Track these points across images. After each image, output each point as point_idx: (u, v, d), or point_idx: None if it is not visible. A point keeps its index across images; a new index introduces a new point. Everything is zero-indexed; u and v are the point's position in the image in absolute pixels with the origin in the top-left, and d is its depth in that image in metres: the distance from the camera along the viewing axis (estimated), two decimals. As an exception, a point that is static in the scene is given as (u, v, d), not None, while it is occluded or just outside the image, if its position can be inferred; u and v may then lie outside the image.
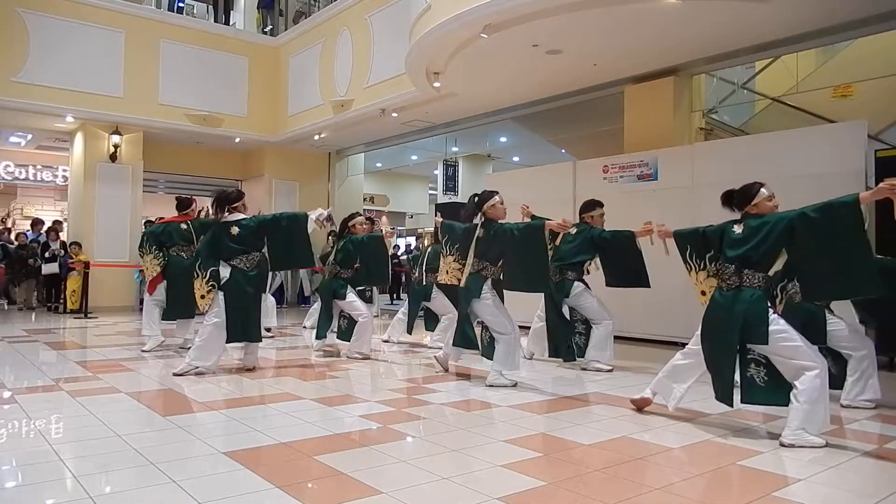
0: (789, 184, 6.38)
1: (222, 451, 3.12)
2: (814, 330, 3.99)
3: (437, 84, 8.15)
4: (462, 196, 14.18)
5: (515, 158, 15.23)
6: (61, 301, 10.82)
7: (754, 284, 3.42)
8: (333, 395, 4.53)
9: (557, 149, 12.08)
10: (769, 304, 3.43)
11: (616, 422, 3.85)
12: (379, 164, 16.36)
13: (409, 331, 7.20)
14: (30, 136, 12.87)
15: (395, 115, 9.99)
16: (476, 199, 5.02)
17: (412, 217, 20.54)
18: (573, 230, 5.59)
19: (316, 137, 11.74)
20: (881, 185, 3.08)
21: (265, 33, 13.06)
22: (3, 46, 9.63)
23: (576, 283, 5.66)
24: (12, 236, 12.08)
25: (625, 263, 5.50)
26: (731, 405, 3.57)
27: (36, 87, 9.83)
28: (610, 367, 5.61)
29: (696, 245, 3.78)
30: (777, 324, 3.37)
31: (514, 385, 4.86)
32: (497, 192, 5.00)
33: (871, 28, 6.40)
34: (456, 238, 5.04)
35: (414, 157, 15.56)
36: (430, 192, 19.04)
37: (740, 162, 6.81)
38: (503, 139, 13.57)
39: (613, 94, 8.53)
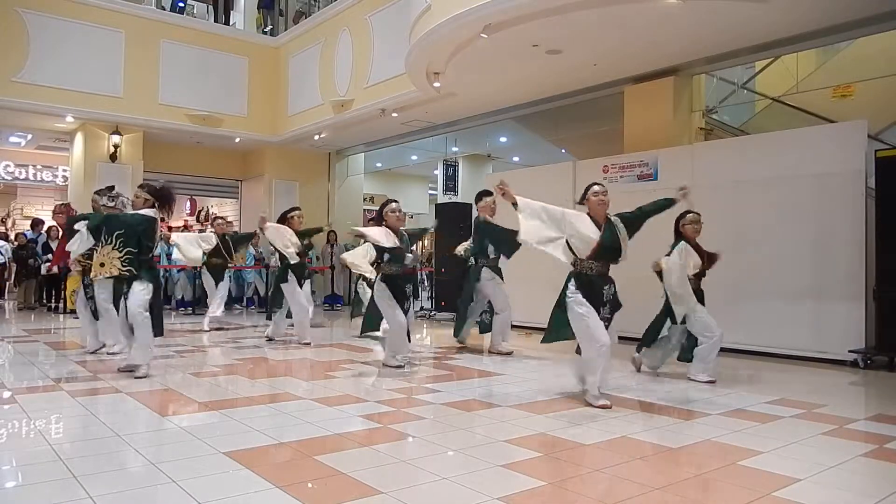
0: (789, 184, 6.41)
1: (222, 451, 3.11)
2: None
3: (437, 84, 8.14)
4: (462, 196, 14.15)
5: (515, 158, 15.21)
6: (61, 301, 10.81)
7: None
8: (333, 395, 4.52)
9: (557, 149, 12.06)
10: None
11: (616, 422, 3.85)
12: (379, 164, 16.33)
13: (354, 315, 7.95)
14: (30, 136, 12.86)
15: (395, 115, 9.99)
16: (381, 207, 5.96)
17: (412, 217, 20.54)
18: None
19: (316, 137, 11.73)
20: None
21: (265, 33, 13.05)
22: (3, 46, 9.62)
23: (484, 269, 6.59)
24: (12, 236, 12.07)
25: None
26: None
27: (36, 87, 9.83)
28: (510, 350, 6.48)
29: None
30: None
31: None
32: (394, 201, 5.72)
33: (871, 28, 6.39)
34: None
35: (414, 157, 15.54)
36: (430, 192, 19.01)
37: (740, 162, 6.81)
38: (503, 139, 13.56)
39: (613, 94, 8.52)
